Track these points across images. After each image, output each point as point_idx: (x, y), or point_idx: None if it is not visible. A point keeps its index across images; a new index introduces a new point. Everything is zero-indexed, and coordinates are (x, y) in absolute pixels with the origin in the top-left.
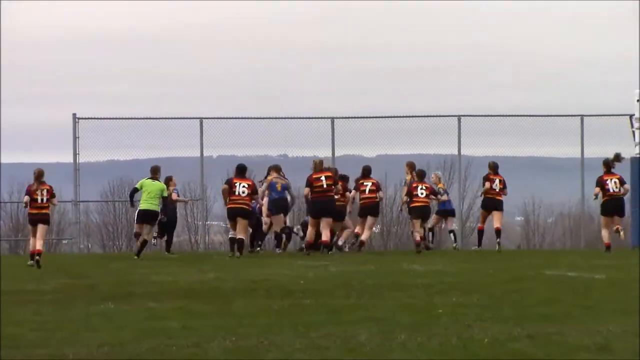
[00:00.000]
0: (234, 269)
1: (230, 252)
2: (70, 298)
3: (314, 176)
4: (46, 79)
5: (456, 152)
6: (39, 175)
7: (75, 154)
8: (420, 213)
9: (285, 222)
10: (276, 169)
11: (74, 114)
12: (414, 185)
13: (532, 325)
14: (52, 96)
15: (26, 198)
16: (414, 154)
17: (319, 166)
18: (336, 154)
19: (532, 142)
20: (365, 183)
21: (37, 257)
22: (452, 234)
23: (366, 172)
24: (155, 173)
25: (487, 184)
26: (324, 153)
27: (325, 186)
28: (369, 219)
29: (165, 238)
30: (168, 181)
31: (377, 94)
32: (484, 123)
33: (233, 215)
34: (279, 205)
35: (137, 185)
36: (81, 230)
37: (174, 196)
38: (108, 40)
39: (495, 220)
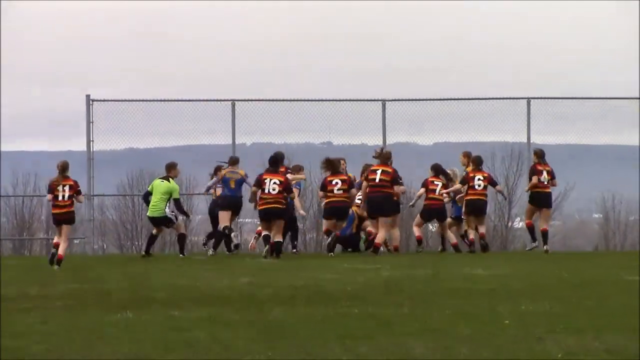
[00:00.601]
0: (270, 273)
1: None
2: (81, 305)
3: (370, 169)
4: (46, 78)
5: (524, 140)
6: (62, 169)
7: (89, 141)
8: (474, 208)
9: (230, 222)
10: (233, 161)
11: (88, 96)
12: (470, 175)
13: (610, 338)
14: (54, 95)
15: (49, 196)
16: (476, 141)
17: (382, 157)
18: (388, 142)
19: (611, 129)
20: (436, 182)
21: (58, 258)
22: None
23: (439, 170)
24: (169, 171)
25: (534, 179)
26: (373, 140)
27: (377, 180)
28: (439, 223)
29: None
30: (217, 172)
31: (377, 94)
32: (555, 107)
33: (266, 216)
34: (228, 203)
35: (149, 188)
36: (95, 228)
37: (219, 193)
38: (108, 40)
39: (543, 220)
